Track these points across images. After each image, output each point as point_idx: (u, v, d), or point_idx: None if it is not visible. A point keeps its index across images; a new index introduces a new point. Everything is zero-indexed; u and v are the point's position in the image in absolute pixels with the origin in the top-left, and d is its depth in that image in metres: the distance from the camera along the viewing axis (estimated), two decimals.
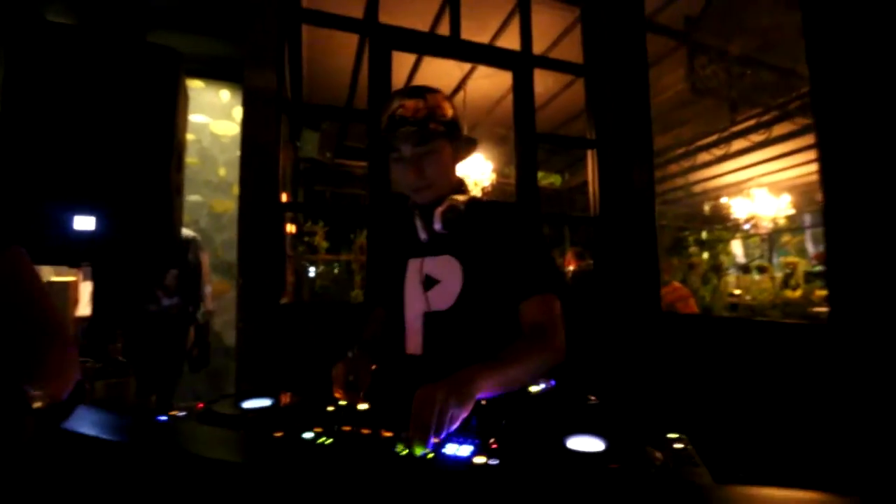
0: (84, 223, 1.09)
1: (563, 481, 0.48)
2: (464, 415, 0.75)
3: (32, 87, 1.09)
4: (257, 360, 1.85)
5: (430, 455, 0.64)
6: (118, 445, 0.54)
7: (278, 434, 0.71)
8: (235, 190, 4.42)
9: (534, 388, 1.57)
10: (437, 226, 1.05)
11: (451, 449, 0.66)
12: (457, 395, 0.73)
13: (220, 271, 4.35)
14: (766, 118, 4.43)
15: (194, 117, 4.41)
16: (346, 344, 1.21)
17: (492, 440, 0.69)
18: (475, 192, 4.06)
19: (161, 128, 1.24)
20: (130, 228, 1.15)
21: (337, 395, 0.95)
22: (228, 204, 4.39)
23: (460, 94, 4.15)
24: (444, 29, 2.80)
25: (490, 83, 4.03)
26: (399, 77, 3.35)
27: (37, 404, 0.53)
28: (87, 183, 1.13)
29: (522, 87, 2.58)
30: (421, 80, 3.96)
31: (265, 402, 0.92)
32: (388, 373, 1.07)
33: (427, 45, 2.65)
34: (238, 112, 4.55)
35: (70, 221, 1.09)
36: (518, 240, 1.05)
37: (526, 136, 2.54)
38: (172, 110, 1.28)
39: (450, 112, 1.06)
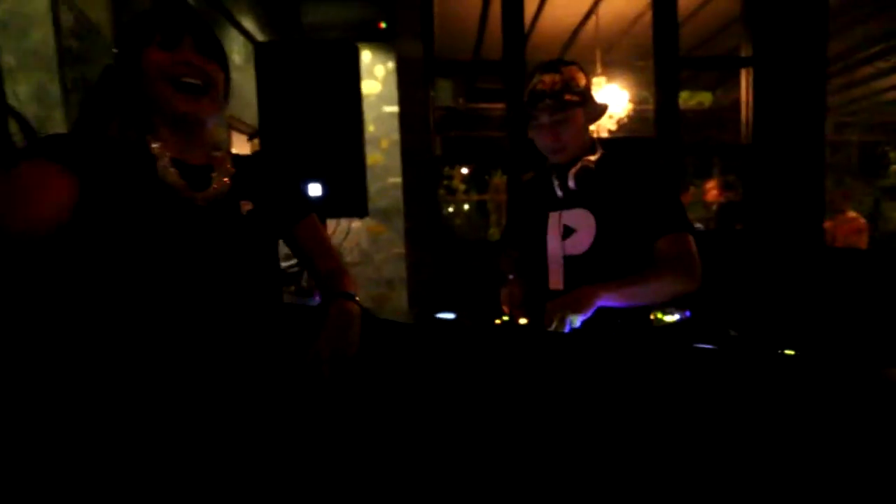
0: (315, 190, 1.54)
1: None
2: (581, 317, 1.05)
3: (275, 90, 1.53)
4: (424, 287, 2.29)
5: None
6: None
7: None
8: (384, 144, 4.97)
9: (668, 318, 1.72)
10: (571, 184, 1.25)
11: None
12: (574, 303, 1.05)
13: (376, 216, 5.04)
14: None
15: None
16: (488, 275, 1.53)
17: None
18: (610, 124, 3.96)
19: (353, 111, 1.61)
20: (346, 191, 1.58)
21: (505, 309, 1.26)
22: (378, 157, 4.97)
23: (592, 20, 3.95)
24: None
25: (625, 2, 3.75)
26: (530, 8, 3.29)
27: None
28: (311, 162, 1.57)
29: (664, 10, 2.45)
30: (550, 9, 3.86)
31: (450, 315, 1.29)
32: (535, 304, 1.32)
33: None
34: (379, 70, 4.99)
35: (306, 189, 1.56)
36: (646, 187, 1.21)
37: (666, 62, 2.45)
38: (358, 94, 1.64)
39: (583, 82, 1.23)
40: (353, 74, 1.57)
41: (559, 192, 1.29)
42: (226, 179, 0.90)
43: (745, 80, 2.52)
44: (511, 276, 1.31)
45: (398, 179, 5.08)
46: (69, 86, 2.23)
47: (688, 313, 1.68)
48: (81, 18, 2.22)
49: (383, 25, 4.71)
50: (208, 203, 0.86)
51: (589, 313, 1.06)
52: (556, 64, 1.22)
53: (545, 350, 0.91)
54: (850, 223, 2.93)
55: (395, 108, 4.93)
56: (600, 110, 1.29)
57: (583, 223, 1.24)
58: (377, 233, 4.96)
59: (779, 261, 2.39)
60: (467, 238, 5.61)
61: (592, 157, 1.25)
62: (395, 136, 4.96)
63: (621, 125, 3.92)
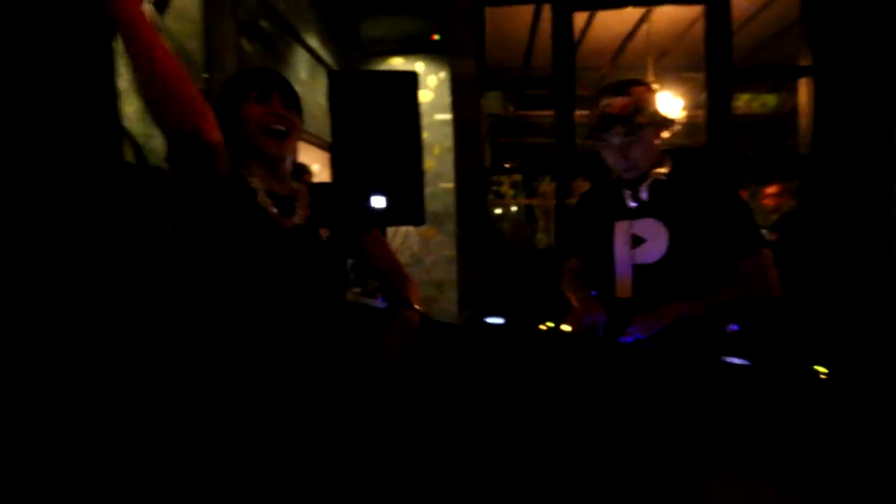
0: (378, 202, 1.72)
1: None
2: (657, 326, 1.17)
3: (345, 113, 1.73)
4: (474, 291, 2.44)
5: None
6: None
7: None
8: (436, 150, 5.17)
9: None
10: (644, 195, 1.29)
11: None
12: (660, 318, 1.18)
13: (427, 220, 5.23)
14: None
15: None
16: (536, 280, 1.63)
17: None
18: (665, 133, 3.92)
19: (413, 130, 1.78)
20: (405, 202, 1.76)
21: (574, 325, 1.30)
22: (430, 163, 5.17)
23: (644, 27, 3.94)
24: None
25: (677, 8, 3.72)
26: (580, 18, 3.34)
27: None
28: (375, 176, 1.76)
29: (717, 19, 2.45)
30: (601, 16, 3.88)
31: (499, 320, 1.41)
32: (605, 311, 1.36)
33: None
34: (432, 80, 5.19)
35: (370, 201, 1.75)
36: (721, 203, 1.26)
37: (719, 71, 2.45)
38: (417, 116, 1.81)
39: (654, 103, 1.27)
40: (412, 99, 1.74)
41: (631, 203, 1.32)
42: (307, 209, 1.08)
43: (804, 88, 2.47)
44: (581, 294, 1.35)
45: (449, 185, 5.26)
46: None
47: (735, 326, 1.71)
48: (178, 47, 2.55)
49: (436, 37, 4.91)
50: (294, 228, 1.03)
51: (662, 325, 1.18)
52: (626, 86, 1.26)
53: (607, 360, 1.02)
54: None
55: (446, 116, 5.11)
56: (669, 125, 1.33)
57: (654, 233, 1.28)
58: (428, 236, 5.16)
59: (839, 278, 2.33)
60: (515, 241, 5.69)
61: (663, 170, 1.29)
62: (447, 143, 5.15)
63: (675, 133, 3.88)
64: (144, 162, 2.56)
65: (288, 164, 1.11)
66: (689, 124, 4.18)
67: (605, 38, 4.36)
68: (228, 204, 0.98)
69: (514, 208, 5.84)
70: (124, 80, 2.51)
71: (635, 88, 1.26)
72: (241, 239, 0.97)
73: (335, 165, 1.74)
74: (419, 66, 5.20)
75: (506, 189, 5.27)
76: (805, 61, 2.43)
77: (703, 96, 2.68)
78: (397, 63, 5.23)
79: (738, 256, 1.25)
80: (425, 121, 5.25)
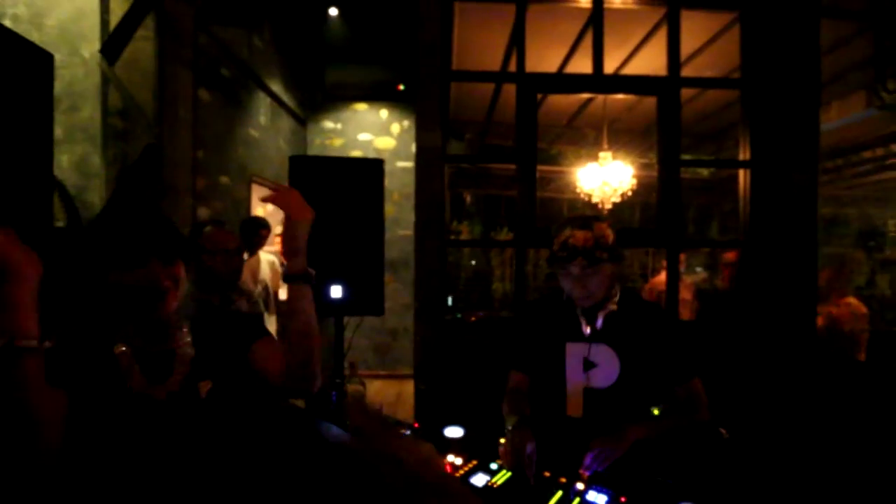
0: (336, 291, 1.65)
1: None
2: (616, 454, 1.18)
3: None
4: (430, 365, 2.37)
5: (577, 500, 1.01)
6: None
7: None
8: (395, 196, 5.14)
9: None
10: (599, 323, 1.37)
11: (591, 496, 1.03)
12: (619, 442, 1.20)
13: (385, 267, 5.15)
14: None
15: (361, 136, 5.21)
16: (497, 357, 1.61)
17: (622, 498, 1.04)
18: (615, 197, 4.11)
19: (376, 219, 1.74)
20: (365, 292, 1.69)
21: (504, 458, 1.26)
22: (390, 209, 5.13)
23: (599, 98, 4.16)
24: (583, 51, 2.92)
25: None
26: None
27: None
28: (334, 264, 1.69)
29: (668, 112, 2.61)
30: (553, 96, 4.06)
31: (459, 432, 1.36)
32: (550, 429, 1.34)
33: (571, 84, 2.82)
34: (395, 128, 5.22)
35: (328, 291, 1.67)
36: (664, 336, 1.37)
37: (669, 163, 2.59)
38: (381, 204, 1.78)
39: (611, 238, 1.34)
40: (377, 187, 1.71)
41: (586, 330, 1.39)
42: (186, 366, 0.94)
43: (742, 178, 2.66)
44: (514, 419, 1.28)
45: (407, 232, 5.24)
46: (110, 160, 2.39)
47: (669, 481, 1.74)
48: (127, 99, 2.40)
49: (401, 87, 4.97)
50: (168, 395, 0.90)
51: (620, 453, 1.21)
52: (589, 221, 1.35)
53: None
54: (848, 309, 3.00)
55: (407, 164, 5.14)
56: (622, 259, 1.39)
57: (605, 359, 1.36)
58: (384, 283, 5.07)
59: (770, 355, 2.47)
60: (471, 289, 5.71)
61: (615, 302, 1.39)
62: (406, 189, 5.14)
63: (625, 199, 4.08)
64: (76, 218, 2.36)
65: (172, 319, 0.96)
66: (647, 184, 4.41)
67: (563, 103, 4.57)
68: (94, 379, 0.86)
69: (473, 262, 5.89)
70: (61, 130, 2.34)
71: (598, 224, 1.34)
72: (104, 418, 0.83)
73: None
74: (383, 113, 5.23)
75: (465, 235, 5.31)
76: (744, 156, 2.62)
77: (652, 154, 2.83)
78: (361, 108, 5.23)
79: (675, 383, 1.37)
80: (387, 168, 5.25)
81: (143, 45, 2.47)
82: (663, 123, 2.62)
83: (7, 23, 2.28)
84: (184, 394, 0.92)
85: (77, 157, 2.43)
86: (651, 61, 3.42)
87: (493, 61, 3.59)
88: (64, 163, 2.44)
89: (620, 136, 5.07)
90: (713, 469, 1.33)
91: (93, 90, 2.41)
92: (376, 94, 5.14)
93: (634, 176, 4.00)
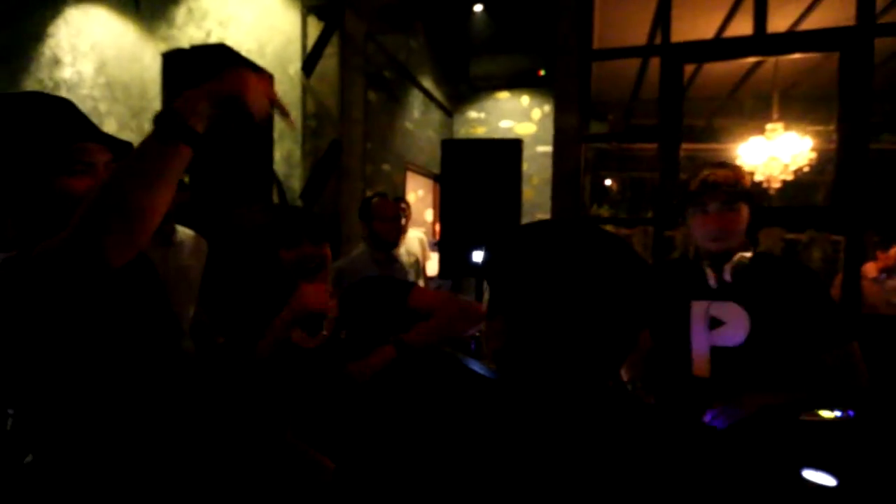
0: (478, 256, 1.92)
1: None
2: (739, 416, 1.19)
3: (455, 175, 1.96)
4: None
5: None
6: None
7: None
8: (535, 181, 5.28)
9: (826, 414, 1.64)
10: (727, 276, 1.30)
11: None
12: (739, 409, 1.19)
13: None
14: None
15: (503, 123, 5.45)
16: None
17: None
18: (786, 175, 3.63)
19: (514, 192, 1.96)
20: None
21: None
22: (529, 192, 5.28)
23: (768, 63, 3.68)
24: (745, 11, 2.66)
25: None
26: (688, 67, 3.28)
27: None
28: (477, 232, 1.96)
29: (855, 69, 2.27)
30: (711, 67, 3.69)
31: None
32: (675, 390, 1.38)
33: (726, 50, 2.63)
34: (536, 113, 5.33)
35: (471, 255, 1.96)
36: (805, 294, 1.26)
37: (855, 130, 2.26)
38: (519, 180, 1.99)
39: (749, 183, 1.32)
40: (516, 164, 1.92)
41: (712, 283, 1.33)
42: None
43: None
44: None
45: (546, 215, 5.33)
46: (307, 153, 3.05)
47: (851, 413, 1.60)
48: (319, 104, 3.02)
49: (542, 73, 5.05)
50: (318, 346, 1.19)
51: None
52: (725, 163, 1.34)
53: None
54: None
55: (547, 148, 5.21)
56: (757, 206, 1.35)
57: (733, 317, 1.29)
58: None
59: None
60: None
61: (747, 254, 1.30)
62: (546, 174, 5.23)
63: (799, 174, 3.56)
64: (285, 201, 3.07)
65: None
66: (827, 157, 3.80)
67: (724, 72, 4.15)
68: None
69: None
70: (276, 132, 3.05)
71: (735, 167, 1.33)
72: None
73: (443, 219, 1.98)
74: (524, 100, 5.38)
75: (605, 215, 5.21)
76: None
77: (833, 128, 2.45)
78: (503, 96, 5.46)
79: (823, 349, 1.23)
80: (527, 153, 5.38)
81: (329, 60, 3.06)
82: (846, 83, 2.30)
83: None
84: (330, 344, 1.23)
85: (285, 152, 3.13)
86: (834, 13, 2.94)
87: (638, 38, 3.47)
88: (276, 157, 3.17)
89: (795, 104, 4.37)
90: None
91: (295, 100, 3.08)
92: (517, 82, 5.30)
93: (814, 149, 3.47)
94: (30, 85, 3.60)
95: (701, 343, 1.34)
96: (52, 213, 0.74)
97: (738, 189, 1.26)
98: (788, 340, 1.26)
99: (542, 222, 0.62)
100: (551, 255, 0.54)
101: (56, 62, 3.54)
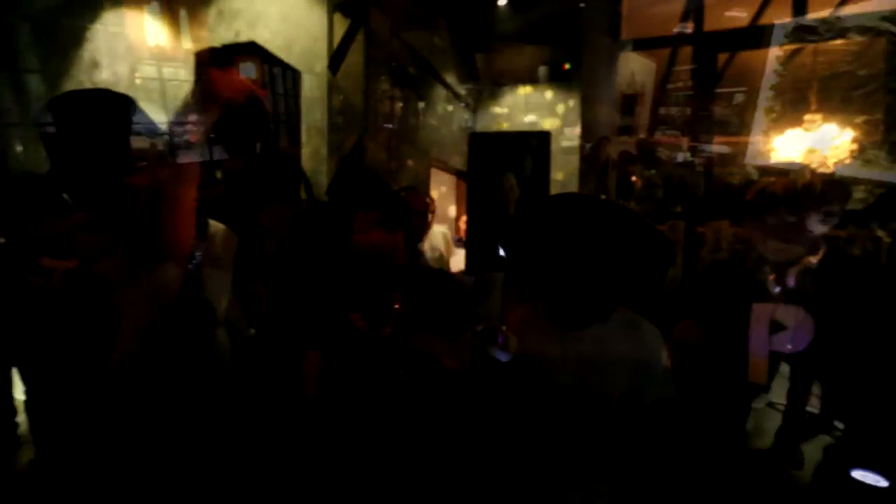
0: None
1: None
2: None
3: (482, 169, 1.95)
4: None
5: None
6: None
7: None
8: (559, 175, 5.19)
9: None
10: (791, 281, 1.27)
11: None
12: None
13: None
14: None
15: (527, 118, 5.39)
16: None
17: None
18: (823, 168, 3.48)
19: (542, 184, 1.94)
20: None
21: None
22: (553, 188, 5.22)
23: (807, 51, 3.53)
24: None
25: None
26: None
27: None
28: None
29: None
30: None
31: None
32: (730, 398, 1.32)
33: (757, 38, 2.54)
34: (560, 108, 5.25)
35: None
36: (875, 303, 1.20)
37: None
38: (548, 172, 1.96)
39: (818, 187, 1.29)
40: (544, 156, 1.90)
41: (776, 288, 1.29)
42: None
43: None
44: None
45: None
46: (332, 149, 3.09)
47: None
48: (345, 101, 3.05)
49: (567, 66, 4.98)
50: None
51: None
52: (786, 172, 1.29)
53: None
54: None
55: (572, 143, 5.14)
56: (835, 215, 1.32)
57: (795, 322, 1.24)
58: None
59: None
60: None
61: (814, 259, 1.27)
62: (570, 168, 5.16)
63: (839, 166, 3.41)
64: (312, 196, 3.12)
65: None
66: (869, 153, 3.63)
67: (759, 61, 4.00)
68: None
69: None
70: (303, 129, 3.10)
71: (805, 169, 1.26)
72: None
73: (470, 214, 1.98)
74: (548, 94, 5.31)
75: None
76: None
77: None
78: (526, 91, 5.40)
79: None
80: (553, 147, 5.34)
81: (354, 56, 3.09)
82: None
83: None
84: (393, 337, 1.19)
85: (312, 148, 3.18)
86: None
87: (666, 30, 3.38)
88: (304, 154, 3.22)
89: (836, 95, 4.18)
90: None
91: (321, 97, 3.12)
92: (541, 76, 5.24)
93: (855, 140, 3.31)
94: (70, 87, 3.75)
95: (760, 347, 1.26)
96: (114, 207, 0.80)
97: (801, 202, 1.22)
98: (856, 347, 1.19)
99: (564, 195, 0.74)
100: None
101: (94, 65, 3.68)
